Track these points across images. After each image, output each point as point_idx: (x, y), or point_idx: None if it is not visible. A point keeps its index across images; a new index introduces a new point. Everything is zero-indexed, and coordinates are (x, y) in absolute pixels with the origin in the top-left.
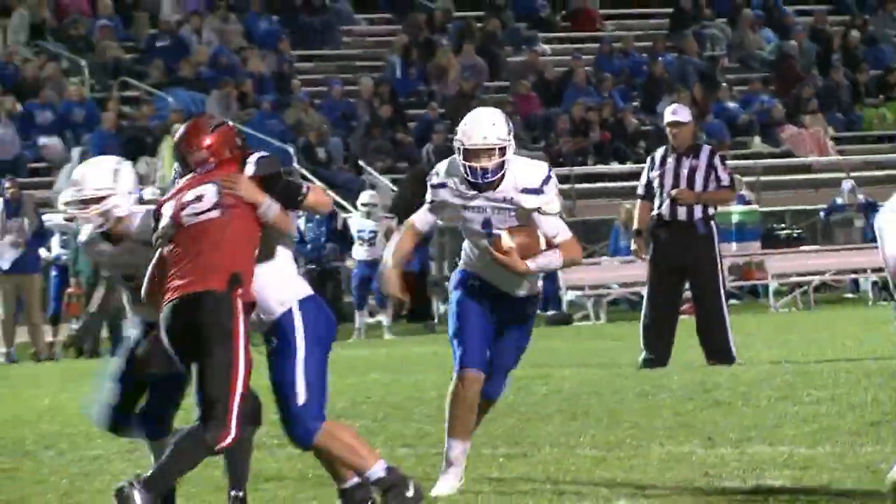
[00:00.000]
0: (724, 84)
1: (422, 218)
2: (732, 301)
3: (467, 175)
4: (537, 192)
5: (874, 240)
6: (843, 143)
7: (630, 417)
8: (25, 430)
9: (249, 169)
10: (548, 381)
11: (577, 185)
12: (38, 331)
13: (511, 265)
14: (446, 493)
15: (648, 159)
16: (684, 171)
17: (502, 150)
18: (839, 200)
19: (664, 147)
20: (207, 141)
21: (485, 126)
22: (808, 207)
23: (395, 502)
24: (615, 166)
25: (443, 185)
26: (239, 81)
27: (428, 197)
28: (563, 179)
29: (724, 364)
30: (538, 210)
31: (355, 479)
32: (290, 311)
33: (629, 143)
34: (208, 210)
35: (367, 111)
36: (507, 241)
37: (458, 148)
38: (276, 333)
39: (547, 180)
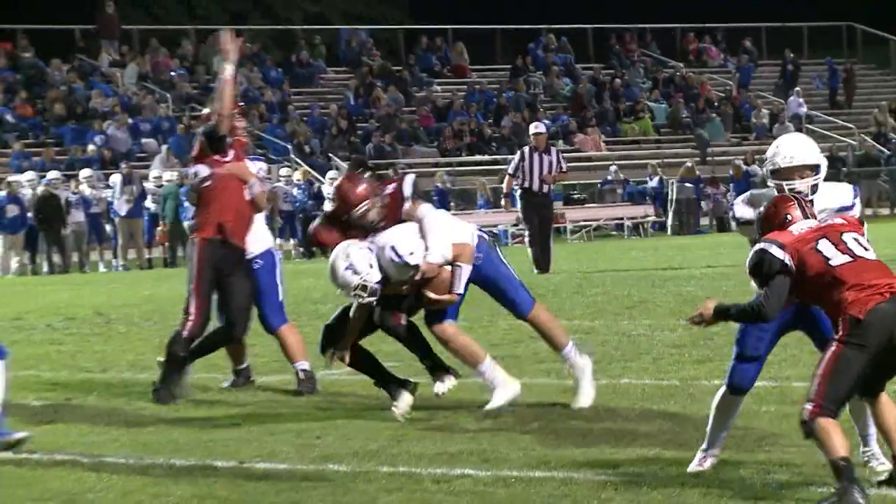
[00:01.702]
0: (541, 109)
1: None
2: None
3: None
4: None
5: (629, 200)
6: (610, 145)
7: None
8: (135, 308)
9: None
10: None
11: (458, 168)
12: (141, 252)
13: (445, 303)
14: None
15: (518, 152)
16: (545, 162)
17: None
18: (608, 177)
19: (528, 146)
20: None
21: None
22: (590, 181)
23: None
24: (478, 157)
25: None
26: (258, 105)
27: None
28: (448, 164)
29: (545, 271)
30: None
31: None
32: None
33: (485, 143)
34: None
35: (334, 124)
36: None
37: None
38: None
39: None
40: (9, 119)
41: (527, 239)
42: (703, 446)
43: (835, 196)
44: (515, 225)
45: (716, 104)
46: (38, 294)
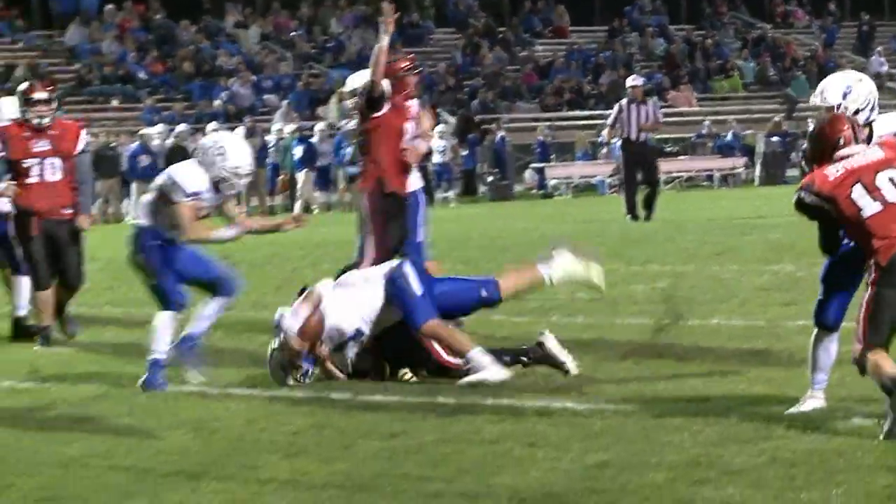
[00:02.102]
0: (637, 67)
1: None
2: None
3: None
4: None
5: (718, 153)
6: (701, 101)
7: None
8: (257, 251)
9: None
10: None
11: (558, 122)
12: (263, 199)
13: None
14: None
15: (616, 105)
16: (642, 113)
17: None
18: (702, 132)
19: (626, 98)
20: None
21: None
22: (683, 135)
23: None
24: (577, 112)
25: None
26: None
27: None
28: (549, 119)
29: (647, 219)
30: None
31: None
32: None
33: (584, 100)
34: None
35: (443, 81)
36: None
37: None
38: None
39: None
40: (141, 76)
41: (621, 187)
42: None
43: (891, 121)
44: (612, 175)
45: (801, 63)
46: None
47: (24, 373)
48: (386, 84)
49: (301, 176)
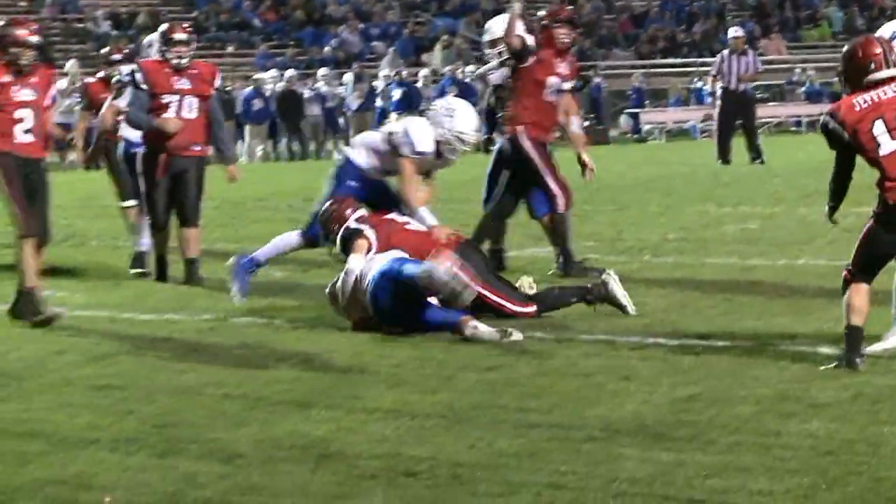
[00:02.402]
0: (729, 17)
1: None
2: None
3: None
4: None
5: (807, 100)
6: (791, 49)
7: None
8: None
9: None
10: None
11: (652, 70)
12: None
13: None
14: None
15: (719, 55)
16: (742, 63)
17: None
18: (793, 79)
19: (727, 49)
20: None
21: None
22: (773, 82)
23: None
24: (671, 60)
25: None
26: (474, 14)
27: None
28: (643, 66)
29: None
30: None
31: None
32: None
33: (678, 48)
34: None
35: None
36: None
37: None
38: None
39: None
40: (256, 23)
41: (715, 133)
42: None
43: None
44: (703, 121)
45: (888, 12)
46: (279, 178)
47: (144, 305)
48: (529, 39)
49: (393, 117)
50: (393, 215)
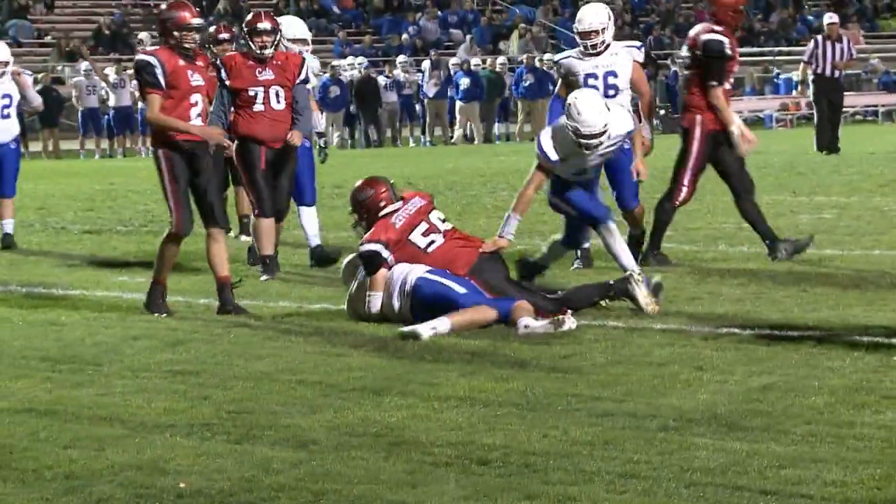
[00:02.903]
0: (806, 6)
1: None
2: None
3: None
4: None
5: (884, 89)
6: (868, 39)
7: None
8: (439, 179)
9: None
10: None
11: (742, 58)
12: (445, 130)
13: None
14: None
15: (812, 41)
16: (836, 49)
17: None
18: (868, 69)
19: (821, 35)
20: None
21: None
22: (850, 72)
23: None
24: (747, 48)
25: None
26: (552, 1)
27: None
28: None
29: (832, 152)
30: None
31: None
32: None
33: (754, 36)
34: None
35: (619, 18)
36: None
37: None
38: None
39: None
40: (334, 10)
41: (815, 121)
42: None
43: None
44: (779, 110)
45: None
46: (355, 164)
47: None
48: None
49: (460, 105)
50: (415, 235)
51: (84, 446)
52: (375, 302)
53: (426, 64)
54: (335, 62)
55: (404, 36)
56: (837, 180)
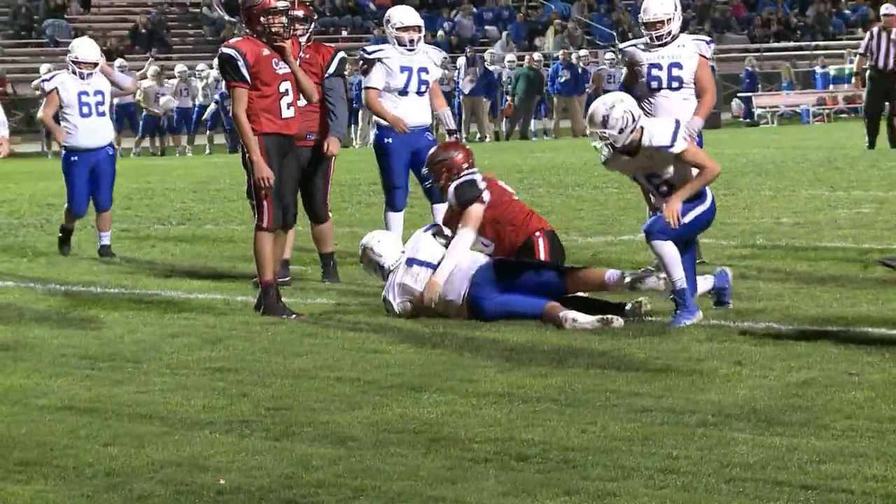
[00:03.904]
0: (843, 1)
1: None
2: None
3: None
4: None
5: None
6: None
7: None
8: None
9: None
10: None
11: (765, 53)
12: (482, 126)
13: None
14: None
15: (868, 33)
16: (892, 42)
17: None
18: None
19: (877, 27)
20: None
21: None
22: None
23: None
24: (784, 43)
25: None
26: None
27: None
28: (756, 50)
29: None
30: None
31: None
32: None
33: (791, 31)
34: None
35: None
36: None
37: None
38: None
39: None
40: (371, 7)
41: (863, 113)
42: None
43: None
44: (816, 105)
45: None
46: None
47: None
48: None
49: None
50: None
51: (124, 443)
52: (467, 238)
53: (461, 61)
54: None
55: (440, 32)
56: (875, 175)
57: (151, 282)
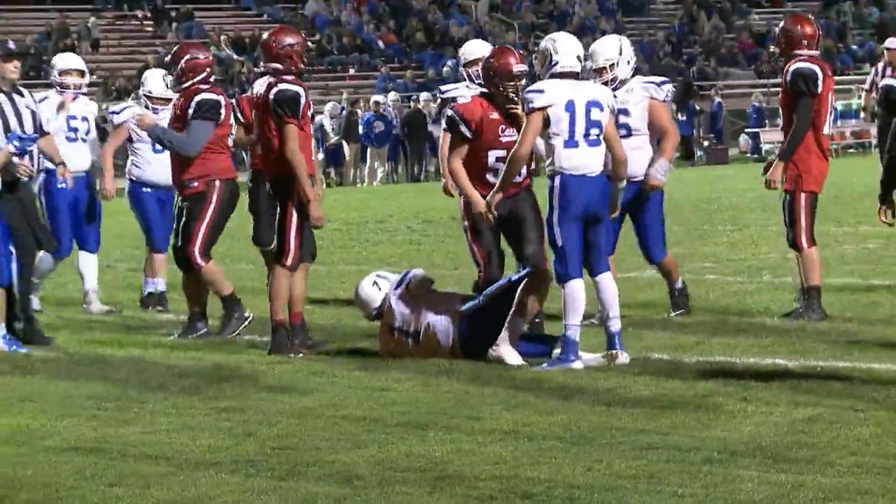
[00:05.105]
0: (850, 36)
1: None
2: None
3: None
4: None
5: None
6: None
7: None
8: None
9: None
10: None
11: (773, 89)
12: None
13: None
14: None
15: (872, 69)
16: None
17: None
18: None
19: (882, 62)
20: None
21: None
22: None
23: None
24: None
25: None
26: (594, 33)
27: None
28: (763, 85)
29: None
30: None
31: None
32: None
33: None
34: None
35: (662, 49)
36: None
37: None
38: None
39: None
40: (380, 45)
41: (874, 149)
42: None
43: None
44: None
45: None
46: (399, 199)
47: (264, 329)
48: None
49: None
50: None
51: (129, 484)
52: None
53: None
54: (375, 97)
55: (445, 69)
56: None
57: (158, 321)
